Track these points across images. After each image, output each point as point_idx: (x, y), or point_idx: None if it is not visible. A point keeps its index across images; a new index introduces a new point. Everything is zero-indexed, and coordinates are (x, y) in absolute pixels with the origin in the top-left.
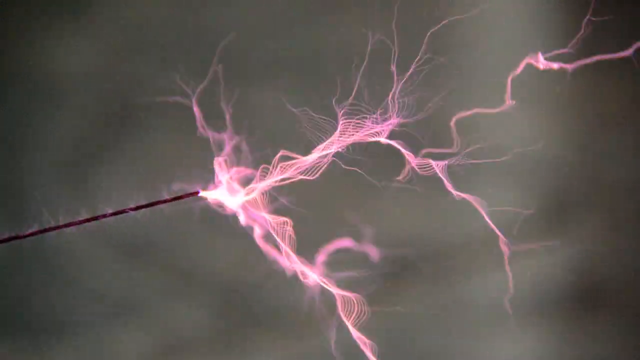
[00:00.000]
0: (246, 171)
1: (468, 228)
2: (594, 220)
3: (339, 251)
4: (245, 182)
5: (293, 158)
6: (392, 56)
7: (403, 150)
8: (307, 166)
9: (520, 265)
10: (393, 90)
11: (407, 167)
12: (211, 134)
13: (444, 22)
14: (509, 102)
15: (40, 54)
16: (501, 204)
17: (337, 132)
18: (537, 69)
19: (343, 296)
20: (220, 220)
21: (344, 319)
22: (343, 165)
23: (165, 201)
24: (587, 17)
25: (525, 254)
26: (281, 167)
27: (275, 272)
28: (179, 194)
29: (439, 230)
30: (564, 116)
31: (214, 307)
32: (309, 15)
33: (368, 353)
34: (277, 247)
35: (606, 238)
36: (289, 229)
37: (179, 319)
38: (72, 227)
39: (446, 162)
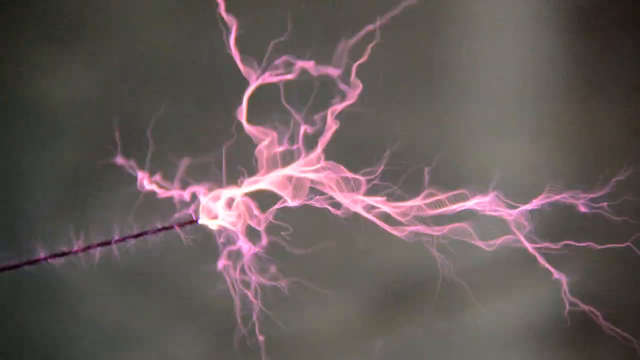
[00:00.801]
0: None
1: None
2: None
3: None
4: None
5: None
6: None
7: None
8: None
9: (521, 290)
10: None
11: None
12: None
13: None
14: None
15: (35, 83)
16: (499, 230)
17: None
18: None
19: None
20: (218, 247)
21: None
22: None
23: (162, 229)
24: None
25: (526, 279)
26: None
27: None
28: (176, 222)
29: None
30: (564, 142)
31: (213, 335)
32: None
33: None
34: None
35: (606, 262)
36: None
37: (177, 348)
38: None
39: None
